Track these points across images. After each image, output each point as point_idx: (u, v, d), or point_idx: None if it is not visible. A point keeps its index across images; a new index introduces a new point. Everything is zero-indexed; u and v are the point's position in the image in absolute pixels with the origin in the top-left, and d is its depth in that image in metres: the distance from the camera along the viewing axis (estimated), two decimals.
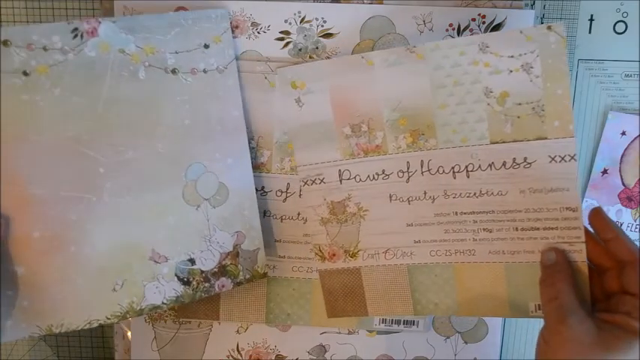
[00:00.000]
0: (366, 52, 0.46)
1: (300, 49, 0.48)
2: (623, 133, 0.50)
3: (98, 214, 0.42)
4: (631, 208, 0.51)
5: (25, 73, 0.40)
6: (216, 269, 0.47)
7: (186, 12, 0.46)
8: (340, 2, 0.48)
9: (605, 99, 0.50)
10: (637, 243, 0.51)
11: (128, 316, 0.44)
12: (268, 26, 0.47)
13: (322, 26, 0.47)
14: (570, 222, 0.42)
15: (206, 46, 0.45)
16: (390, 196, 0.46)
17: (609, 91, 0.50)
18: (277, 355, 0.54)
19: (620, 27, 0.49)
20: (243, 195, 0.47)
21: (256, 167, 0.48)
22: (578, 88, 0.50)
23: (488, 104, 0.43)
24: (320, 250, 0.48)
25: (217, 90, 0.46)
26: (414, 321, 0.52)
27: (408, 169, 0.45)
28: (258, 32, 0.47)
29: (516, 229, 0.44)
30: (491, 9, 0.47)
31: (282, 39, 0.47)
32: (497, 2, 0.47)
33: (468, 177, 0.44)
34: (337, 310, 0.49)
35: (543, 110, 0.42)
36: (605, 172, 0.51)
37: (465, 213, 0.44)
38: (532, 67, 0.42)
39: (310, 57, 0.48)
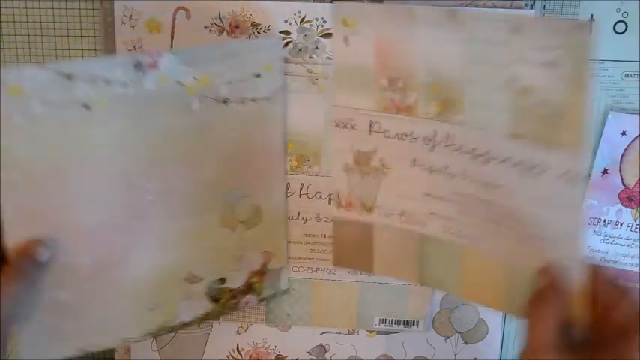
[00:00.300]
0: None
1: (300, 49, 0.48)
2: (623, 133, 0.50)
3: (144, 240, 0.42)
4: (631, 208, 0.51)
5: (87, 107, 0.38)
6: (243, 287, 0.47)
7: (245, 42, 0.46)
8: None
9: (605, 99, 0.50)
10: (637, 243, 0.51)
11: (161, 332, 0.45)
12: (268, 26, 0.47)
13: (322, 26, 0.47)
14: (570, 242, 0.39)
15: (257, 76, 0.44)
16: (414, 161, 0.44)
17: (609, 91, 0.50)
18: (277, 355, 0.54)
19: (620, 27, 0.49)
20: (276, 217, 0.48)
21: None
22: None
23: (513, 94, 0.39)
24: (338, 197, 0.47)
25: (264, 118, 0.46)
26: (414, 321, 0.52)
27: (434, 137, 0.43)
28: (258, 32, 0.47)
29: (520, 233, 0.43)
30: (491, 9, 0.47)
31: (282, 39, 0.47)
32: (497, 2, 0.47)
33: (486, 165, 0.42)
34: (343, 259, 0.49)
35: (561, 118, 0.37)
36: (605, 172, 0.51)
37: (479, 199, 0.43)
38: (559, 65, 0.36)
39: (310, 57, 0.48)
